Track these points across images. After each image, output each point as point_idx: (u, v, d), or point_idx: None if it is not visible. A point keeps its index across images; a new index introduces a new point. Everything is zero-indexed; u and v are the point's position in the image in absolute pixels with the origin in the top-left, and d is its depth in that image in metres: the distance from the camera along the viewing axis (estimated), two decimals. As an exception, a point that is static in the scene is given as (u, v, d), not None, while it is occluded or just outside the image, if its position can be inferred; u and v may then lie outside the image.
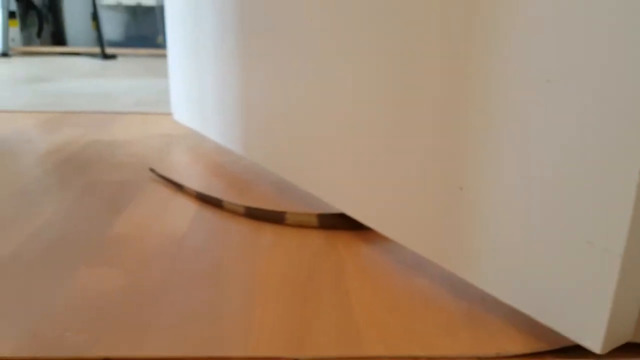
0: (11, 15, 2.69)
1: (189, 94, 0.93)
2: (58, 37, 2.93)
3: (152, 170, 0.75)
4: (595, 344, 0.36)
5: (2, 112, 1.21)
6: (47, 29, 2.91)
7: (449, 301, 0.47)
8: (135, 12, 2.62)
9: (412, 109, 0.46)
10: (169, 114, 1.22)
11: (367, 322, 0.43)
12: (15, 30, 2.72)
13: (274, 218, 0.63)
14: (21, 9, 2.76)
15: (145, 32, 2.64)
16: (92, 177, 0.76)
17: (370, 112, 0.51)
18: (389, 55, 0.48)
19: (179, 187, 0.72)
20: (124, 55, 2.49)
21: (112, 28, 2.60)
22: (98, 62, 2.24)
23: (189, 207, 0.66)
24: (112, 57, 2.33)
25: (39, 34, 2.85)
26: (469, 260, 0.44)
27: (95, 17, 2.62)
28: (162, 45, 2.60)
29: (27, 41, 2.81)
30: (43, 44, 2.90)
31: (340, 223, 0.61)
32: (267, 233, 0.60)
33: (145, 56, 2.49)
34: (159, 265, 0.51)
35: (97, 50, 2.46)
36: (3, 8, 2.55)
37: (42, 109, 1.24)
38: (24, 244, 0.55)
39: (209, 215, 0.64)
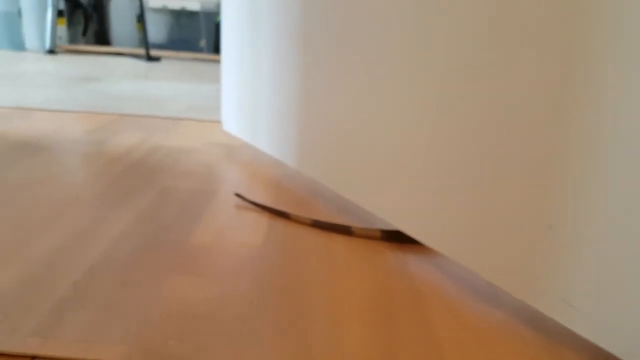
0: (59, 14, 2.77)
1: (241, 106, 0.96)
2: (101, 37, 3.00)
3: (238, 195, 0.73)
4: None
5: (64, 113, 1.25)
6: (91, 28, 2.98)
7: (528, 333, 0.48)
8: (179, 15, 2.67)
9: (502, 145, 0.48)
10: (220, 123, 1.25)
11: (452, 348, 0.45)
12: (62, 28, 2.80)
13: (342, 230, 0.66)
14: (68, 8, 2.84)
15: (188, 36, 2.69)
16: (163, 184, 0.79)
17: (455, 142, 0.53)
18: (481, 86, 0.50)
19: (272, 211, 0.71)
20: (166, 57, 2.55)
21: (155, 30, 2.66)
22: (143, 64, 2.30)
23: (261, 218, 0.69)
24: (157, 59, 2.38)
25: (84, 33, 2.92)
26: (556, 299, 0.45)
27: (140, 19, 2.69)
28: (204, 49, 2.65)
29: (72, 39, 2.88)
30: (87, 42, 2.97)
31: (403, 236, 0.64)
32: (338, 248, 0.62)
33: (187, 60, 2.54)
34: (244, 277, 0.54)
35: (141, 51, 2.52)
36: (53, 7, 2.63)
37: (99, 111, 1.28)
38: (111, 248, 0.58)
39: (280, 226, 0.67)
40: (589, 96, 0.41)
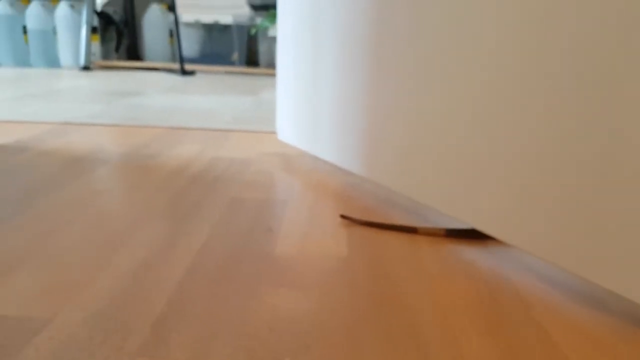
0: (93, 30, 2.81)
1: (299, 114, 0.94)
2: (134, 52, 3.04)
3: (343, 217, 0.69)
4: None
5: (110, 127, 1.25)
6: (124, 43, 3.02)
7: (656, 344, 0.45)
8: (212, 29, 2.69)
9: (612, 141, 0.45)
10: (271, 133, 1.24)
11: (576, 357, 0.42)
12: (96, 44, 2.83)
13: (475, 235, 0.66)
14: (102, 24, 2.88)
15: (221, 50, 2.70)
16: (232, 195, 0.77)
17: (556, 139, 0.50)
18: (588, 77, 0.47)
19: (384, 227, 0.68)
20: (200, 71, 2.56)
21: (188, 44, 2.67)
22: (178, 78, 2.31)
23: (339, 227, 0.66)
24: (191, 73, 2.39)
25: (117, 49, 2.96)
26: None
27: (173, 33, 2.71)
28: (237, 63, 2.66)
29: (105, 55, 2.92)
30: (120, 58, 3.01)
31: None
32: (425, 254, 0.59)
33: (221, 73, 2.55)
34: (338, 289, 0.51)
35: (174, 65, 2.54)
36: (87, 23, 2.67)
37: (145, 124, 1.27)
38: (196, 262, 0.56)
39: (359, 235, 0.64)
40: None
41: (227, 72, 2.57)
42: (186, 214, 0.69)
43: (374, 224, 0.68)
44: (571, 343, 0.45)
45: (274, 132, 1.24)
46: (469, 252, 0.62)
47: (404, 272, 0.56)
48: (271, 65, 2.68)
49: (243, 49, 2.67)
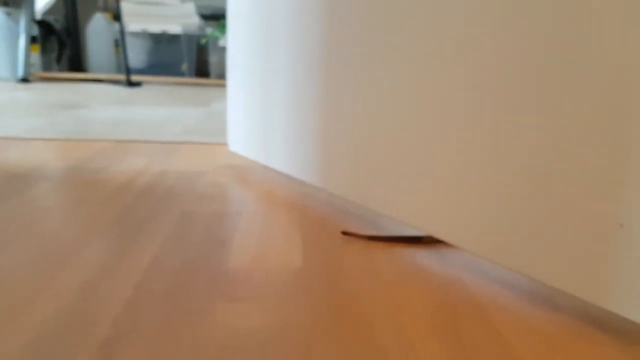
0: (33, 40, 2.70)
1: (251, 126, 0.93)
2: (77, 63, 2.94)
3: (345, 233, 0.67)
4: None
5: (51, 141, 1.20)
6: (66, 54, 2.92)
7: (598, 334, 0.46)
8: (160, 39, 2.63)
9: (570, 143, 0.46)
10: (224, 144, 1.22)
11: (528, 355, 0.42)
12: (35, 55, 2.73)
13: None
14: (42, 33, 2.77)
15: (169, 60, 2.65)
16: (182, 209, 0.75)
17: (509, 137, 0.51)
18: (545, 75, 0.48)
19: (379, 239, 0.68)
20: (148, 82, 2.50)
21: (135, 55, 2.61)
22: (124, 90, 2.24)
23: (294, 238, 0.65)
24: (138, 84, 2.33)
25: (58, 60, 2.86)
26: (629, 296, 0.43)
27: (118, 43, 2.64)
28: (187, 74, 2.62)
29: (46, 66, 2.81)
30: (61, 69, 2.90)
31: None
32: (381, 261, 0.59)
33: (170, 84, 2.50)
34: (294, 301, 0.50)
35: (120, 77, 2.47)
36: (26, 32, 2.56)
37: (89, 138, 1.23)
38: (145, 279, 0.54)
39: (314, 245, 0.63)
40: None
41: (176, 83, 2.52)
42: (134, 229, 0.67)
43: (377, 238, 0.67)
44: (525, 342, 0.45)
45: (226, 144, 1.22)
46: (423, 257, 0.63)
47: (360, 280, 0.56)
48: (222, 76, 2.65)
49: (193, 60, 2.63)
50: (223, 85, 2.54)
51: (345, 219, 0.75)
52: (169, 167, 0.98)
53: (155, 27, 2.50)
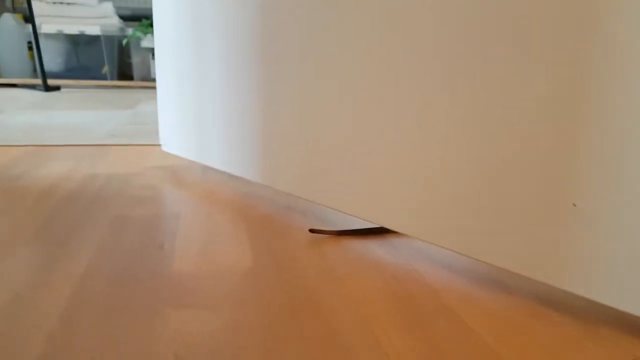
0: None
1: (184, 123, 0.89)
2: (-15, 68, 2.72)
3: (313, 231, 0.63)
4: None
5: (-34, 148, 1.09)
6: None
7: (555, 315, 0.47)
8: (78, 41, 2.49)
9: (519, 121, 0.46)
10: (153, 146, 1.16)
11: (490, 337, 0.42)
12: (-63, 60, 2.51)
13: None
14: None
15: (89, 63, 2.51)
16: (114, 213, 0.70)
17: (461, 125, 0.51)
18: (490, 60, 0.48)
19: (345, 233, 0.66)
20: (66, 86, 2.36)
21: (51, 58, 2.45)
22: (41, 94, 2.10)
23: (240, 236, 0.62)
24: (56, 88, 2.19)
25: (-36, 65, 2.64)
26: (584, 274, 0.44)
27: (33, 46, 2.47)
28: (108, 76, 2.49)
29: (-51, 72, 2.59)
30: (-32, 75, 2.68)
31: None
32: (329, 251, 0.57)
33: (91, 87, 2.37)
34: (246, 302, 0.47)
35: (36, 81, 2.31)
36: None
37: (8, 143, 1.13)
38: (80, 289, 0.49)
39: (262, 242, 0.61)
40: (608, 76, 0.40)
41: (97, 87, 2.39)
42: (62, 237, 0.61)
43: (345, 233, 0.65)
44: (486, 326, 0.45)
45: (157, 145, 1.16)
46: (374, 247, 0.61)
47: (313, 276, 0.53)
48: (146, 78, 2.54)
49: (114, 62, 2.51)
50: (148, 87, 2.44)
51: (290, 215, 0.72)
52: (96, 170, 0.92)
53: (72, 29, 2.35)
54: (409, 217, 0.56)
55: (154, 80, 2.54)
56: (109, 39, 2.46)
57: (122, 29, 2.48)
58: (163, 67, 0.93)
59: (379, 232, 0.66)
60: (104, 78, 2.50)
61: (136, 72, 2.53)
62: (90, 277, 0.51)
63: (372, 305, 0.48)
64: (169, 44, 0.89)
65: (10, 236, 0.61)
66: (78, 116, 1.57)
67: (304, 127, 0.66)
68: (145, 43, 2.43)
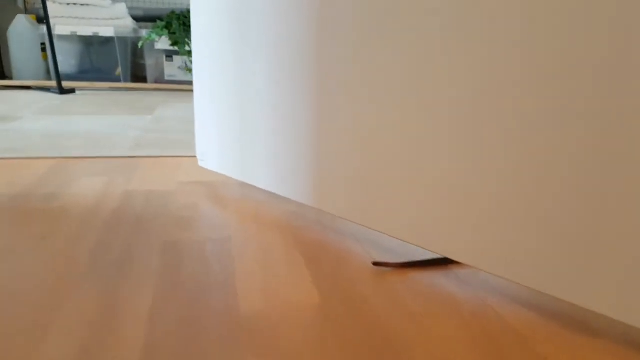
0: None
1: (226, 140, 0.86)
2: (-3, 69, 2.70)
3: (377, 264, 0.61)
4: None
5: (-7, 160, 1.06)
6: (-17, 60, 2.68)
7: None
8: (91, 42, 2.46)
9: (614, 162, 0.44)
10: (182, 157, 1.13)
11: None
12: (-52, 61, 2.48)
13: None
14: (-46, 38, 2.52)
15: (102, 65, 2.48)
16: (164, 238, 0.67)
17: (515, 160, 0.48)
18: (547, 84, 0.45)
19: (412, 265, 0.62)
20: (80, 89, 2.33)
21: (65, 59, 2.42)
22: (56, 97, 2.07)
23: (298, 266, 0.60)
24: (71, 91, 2.16)
25: (-25, 66, 2.61)
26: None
27: (46, 47, 2.44)
28: (122, 78, 2.46)
29: (-40, 73, 2.56)
30: (-21, 76, 2.65)
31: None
32: (400, 288, 0.54)
33: (104, 90, 2.34)
34: (324, 346, 0.45)
35: (51, 83, 2.28)
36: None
37: (31, 155, 1.10)
38: (149, 335, 0.46)
39: (325, 274, 0.58)
40: None
41: (111, 89, 2.37)
42: (116, 269, 0.58)
43: (408, 265, 0.62)
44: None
45: (187, 157, 1.14)
46: (441, 280, 0.59)
47: (385, 313, 0.51)
48: (160, 80, 2.51)
49: (127, 64, 2.48)
50: (162, 90, 2.41)
51: (343, 240, 0.70)
52: (131, 187, 0.89)
53: (86, 30, 2.32)
54: (481, 250, 0.54)
55: (167, 82, 2.51)
56: (123, 40, 2.42)
57: (135, 30, 2.45)
58: (201, 79, 0.90)
59: (442, 262, 0.63)
60: (117, 80, 2.47)
61: (149, 74, 2.50)
62: (157, 318, 0.49)
63: (450, 345, 0.45)
64: (208, 53, 0.86)
65: (65, 267, 0.58)
66: (98, 122, 1.54)
67: (362, 148, 0.64)
68: (159, 45, 2.40)
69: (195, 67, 0.91)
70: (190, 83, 2.52)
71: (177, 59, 2.48)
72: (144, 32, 2.43)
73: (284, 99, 0.73)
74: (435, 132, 0.55)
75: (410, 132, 0.58)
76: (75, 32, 2.34)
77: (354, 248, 0.67)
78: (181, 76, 2.51)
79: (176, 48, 2.35)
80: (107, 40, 2.44)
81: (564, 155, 0.46)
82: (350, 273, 0.60)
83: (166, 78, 2.52)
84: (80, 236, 0.67)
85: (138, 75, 2.65)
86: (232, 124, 0.84)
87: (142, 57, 2.57)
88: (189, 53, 2.31)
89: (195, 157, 1.13)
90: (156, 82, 2.53)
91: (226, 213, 0.78)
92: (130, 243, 0.65)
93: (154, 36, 2.28)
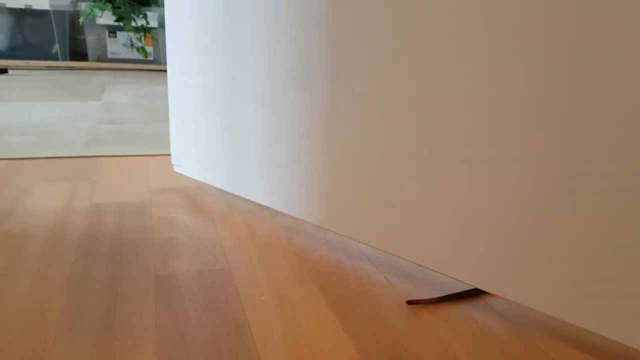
0: None
1: (211, 146, 0.76)
2: None
3: (411, 302, 0.54)
4: None
5: None
6: None
7: None
8: (23, 16, 2.22)
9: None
10: (146, 157, 1.01)
11: None
12: None
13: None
14: None
15: (36, 41, 2.25)
16: (153, 271, 0.57)
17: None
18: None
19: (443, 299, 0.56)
20: (13, 68, 2.10)
21: (-8, 35, 2.17)
22: (-15, 78, 1.85)
23: (319, 304, 0.52)
24: (3, 71, 1.94)
25: None
26: None
27: (-32, 21, 2.18)
28: (60, 56, 2.24)
29: None
30: None
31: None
32: (439, 328, 0.48)
33: (41, 69, 2.12)
34: None
35: (-25, 61, 2.04)
36: None
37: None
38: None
39: (354, 317, 0.50)
40: None
41: (49, 68, 2.15)
42: (103, 316, 0.48)
43: (442, 299, 0.55)
44: None
45: (152, 155, 1.02)
46: (478, 315, 0.53)
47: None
48: (103, 58, 2.31)
49: (65, 40, 2.26)
50: (105, 69, 2.22)
51: (359, 264, 0.62)
52: (98, 198, 0.78)
53: (16, 1, 2.09)
54: (518, 283, 0.48)
55: (111, 60, 2.32)
56: (59, 14, 2.20)
57: (73, 4, 2.23)
58: (175, 60, 0.78)
59: (475, 293, 0.57)
60: (54, 58, 2.25)
61: (90, 51, 2.29)
62: (169, 392, 0.40)
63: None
64: (188, 41, 0.75)
65: (37, 321, 0.47)
66: (40, 111, 1.38)
67: (388, 162, 0.56)
68: (101, 20, 2.19)
69: (170, 61, 0.79)
70: (136, 61, 2.34)
71: (121, 35, 2.29)
72: (83, 5, 2.21)
73: (288, 96, 0.64)
74: (475, 156, 0.49)
75: (450, 153, 0.51)
76: (4, 4, 2.10)
77: (373, 276, 0.60)
78: (126, 54, 2.33)
79: (120, 23, 2.16)
80: (41, 14, 2.20)
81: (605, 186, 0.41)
82: (381, 314, 0.52)
83: (109, 56, 2.32)
84: (48, 273, 0.56)
85: (77, 52, 2.43)
86: (218, 125, 0.74)
87: (82, 32, 2.36)
88: (136, 29, 2.13)
89: (162, 155, 1.01)
90: (98, 60, 2.33)
91: (216, 231, 0.69)
92: (112, 280, 0.55)
93: (96, 11, 2.08)
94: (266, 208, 0.77)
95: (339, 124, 0.59)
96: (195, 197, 0.81)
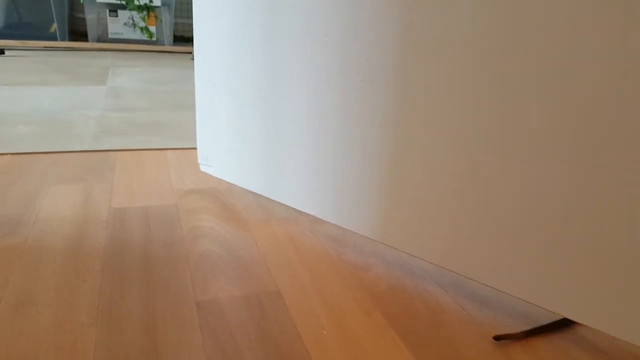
0: None
1: (246, 146, 0.68)
2: None
3: (498, 337, 0.47)
4: None
5: None
6: None
7: None
8: (19, -7, 2.10)
9: None
10: (163, 150, 0.93)
11: None
12: None
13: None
14: None
15: (33, 19, 2.14)
16: (195, 296, 0.49)
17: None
18: None
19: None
20: (10, 48, 1.99)
21: (-14, 13, 2.06)
22: (-19, 59, 1.75)
23: (391, 339, 0.44)
24: (0, 52, 1.84)
25: None
26: None
27: (-39, -2, 2.06)
28: (58, 36, 2.13)
29: None
30: None
31: None
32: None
33: (39, 50, 2.02)
34: None
35: (-30, 41, 1.93)
36: None
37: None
38: None
39: (429, 351, 0.43)
40: None
41: (47, 49, 2.04)
42: (143, 357, 0.41)
43: (533, 332, 0.48)
44: None
45: (169, 149, 0.94)
46: (571, 349, 0.46)
47: None
48: (103, 38, 2.21)
49: (64, 19, 2.15)
50: (106, 50, 2.11)
51: (424, 287, 0.55)
52: (118, 201, 0.70)
53: (13, -22, 1.97)
54: (609, 311, 0.41)
55: (112, 41, 2.21)
56: (58, -9, 2.09)
57: (72, -20, 2.12)
58: (204, 47, 0.70)
59: (565, 324, 0.50)
60: (52, 38, 2.14)
61: (90, 31, 2.19)
62: None
63: None
64: (222, 32, 0.67)
65: (68, 370, 0.40)
66: (43, 96, 1.28)
67: (459, 178, 0.48)
68: (101, -2, 2.08)
69: (196, 42, 0.71)
70: (139, 42, 2.23)
71: (123, 14, 2.18)
72: (82, -18, 2.09)
73: (343, 108, 0.56)
74: (571, 171, 0.41)
75: (537, 164, 0.43)
76: (-1, -20, 1.98)
77: (442, 301, 0.53)
78: (128, 34, 2.22)
79: (122, 2, 2.05)
80: (39, -9, 2.09)
81: None
82: (465, 351, 0.45)
83: (110, 36, 2.21)
84: (73, 300, 0.48)
85: (76, 31, 2.32)
86: (255, 126, 0.66)
87: (82, 11, 2.24)
88: (139, 8, 2.02)
89: (180, 149, 0.93)
90: (99, 40, 2.22)
91: (256, 244, 0.61)
92: (148, 310, 0.47)
93: (97, -12, 1.97)
94: (304, 215, 0.70)
95: (403, 129, 0.51)
96: (226, 200, 0.73)
